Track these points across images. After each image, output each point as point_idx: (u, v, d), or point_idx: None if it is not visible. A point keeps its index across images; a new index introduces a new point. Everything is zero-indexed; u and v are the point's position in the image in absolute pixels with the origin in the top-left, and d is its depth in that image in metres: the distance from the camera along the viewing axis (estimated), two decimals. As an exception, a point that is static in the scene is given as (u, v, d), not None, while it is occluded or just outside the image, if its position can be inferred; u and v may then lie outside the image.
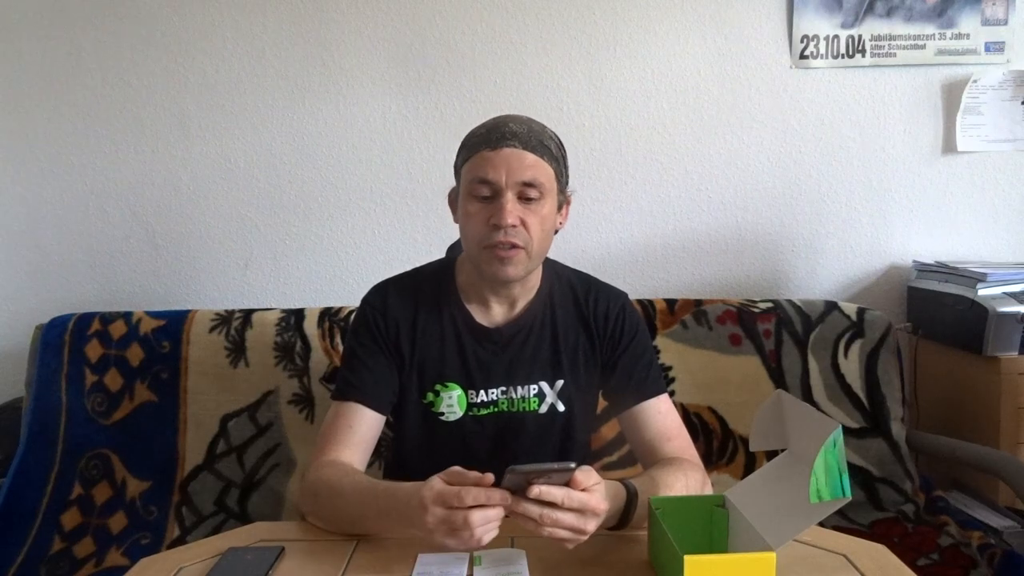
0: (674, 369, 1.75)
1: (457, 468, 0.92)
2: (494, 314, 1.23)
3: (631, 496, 0.99)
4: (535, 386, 1.22)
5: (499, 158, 1.11)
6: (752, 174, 2.06)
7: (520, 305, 1.23)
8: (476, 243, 1.14)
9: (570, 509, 0.88)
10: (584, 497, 0.89)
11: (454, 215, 1.22)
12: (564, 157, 1.20)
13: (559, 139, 1.19)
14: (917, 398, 1.99)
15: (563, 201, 1.20)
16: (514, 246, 1.11)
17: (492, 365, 1.21)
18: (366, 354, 1.20)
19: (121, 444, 1.73)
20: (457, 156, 1.20)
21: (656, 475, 1.10)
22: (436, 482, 0.90)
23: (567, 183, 1.21)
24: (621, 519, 0.99)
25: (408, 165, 2.04)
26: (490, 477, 0.88)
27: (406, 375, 1.22)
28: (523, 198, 1.12)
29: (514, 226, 1.10)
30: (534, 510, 0.87)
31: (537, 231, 1.13)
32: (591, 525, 0.90)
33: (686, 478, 1.10)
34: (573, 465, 0.88)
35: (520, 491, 0.88)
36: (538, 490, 0.87)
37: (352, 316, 1.31)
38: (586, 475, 0.90)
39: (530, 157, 1.12)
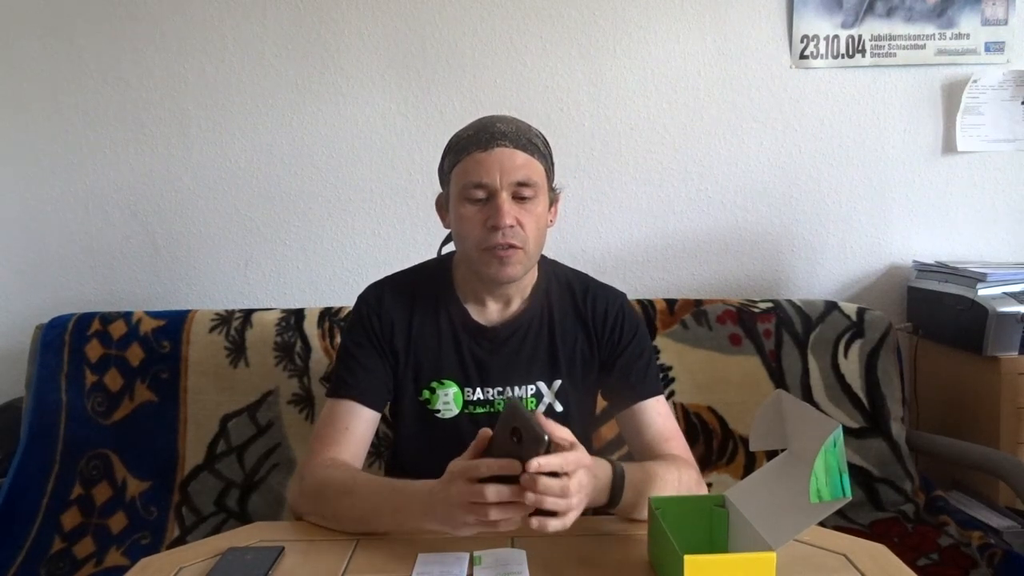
0: (674, 369, 1.75)
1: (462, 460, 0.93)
2: (490, 312, 1.23)
3: (616, 473, 1.01)
4: (532, 387, 1.22)
5: (491, 159, 1.11)
6: (752, 174, 2.06)
7: (515, 303, 1.23)
8: (474, 246, 1.14)
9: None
10: (575, 457, 0.89)
11: (443, 220, 1.23)
12: (551, 154, 1.20)
13: (544, 136, 1.20)
14: (917, 398, 1.99)
15: (553, 198, 1.21)
16: (512, 246, 1.12)
17: (489, 364, 1.22)
18: (360, 352, 1.20)
19: (121, 444, 1.73)
20: (443, 160, 1.20)
21: (648, 465, 1.10)
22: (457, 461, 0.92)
23: (554, 180, 1.22)
24: (611, 496, 1.01)
25: (408, 165, 2.04)
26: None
27: (402, 373, 1.22)
28: (517, 197, 1.13)
29: (511, 226, 1.11)
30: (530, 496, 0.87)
31: (533, 230, 1.14)
32: (575, 491, 0.89)
33: (679, 472, 1.10)
34: (547, 439, 0.87)
35: (504, 447, 0.89)
36: (537, 463, 0.85)
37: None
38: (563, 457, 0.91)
39: (521, 156, 1.13)
